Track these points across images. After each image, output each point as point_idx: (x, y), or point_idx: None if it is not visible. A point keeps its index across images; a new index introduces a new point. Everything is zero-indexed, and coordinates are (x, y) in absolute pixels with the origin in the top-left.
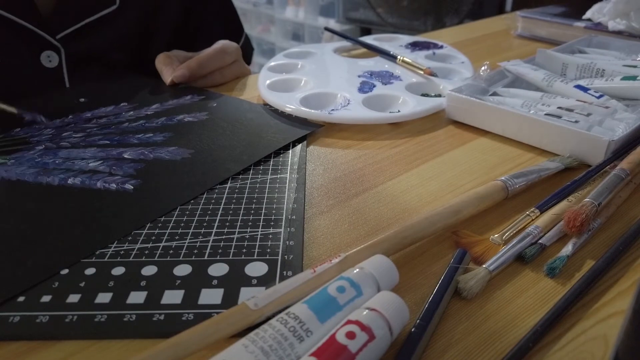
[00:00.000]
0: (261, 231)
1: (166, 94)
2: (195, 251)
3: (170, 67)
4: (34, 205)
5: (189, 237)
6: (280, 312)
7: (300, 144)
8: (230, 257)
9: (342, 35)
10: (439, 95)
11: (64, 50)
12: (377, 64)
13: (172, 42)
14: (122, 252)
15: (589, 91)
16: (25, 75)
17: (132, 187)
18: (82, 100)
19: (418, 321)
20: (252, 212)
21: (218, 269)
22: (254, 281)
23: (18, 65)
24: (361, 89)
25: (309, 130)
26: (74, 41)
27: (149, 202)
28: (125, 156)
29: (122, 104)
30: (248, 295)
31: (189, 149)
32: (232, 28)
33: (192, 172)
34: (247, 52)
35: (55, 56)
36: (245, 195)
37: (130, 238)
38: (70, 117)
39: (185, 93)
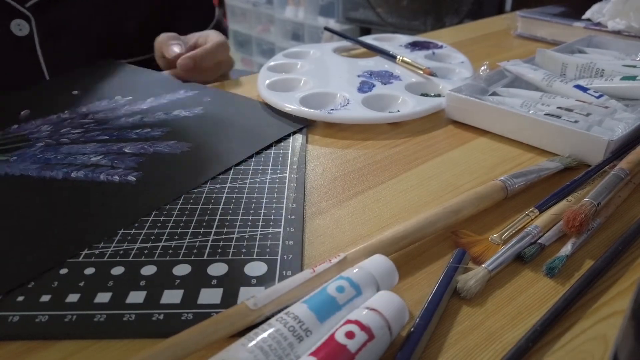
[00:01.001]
0: (260, 231)
1: (158, 87)
2: (195, 251)
3: (178, 46)
4: (39, 199)
5: (188, 236)
6: (279, 311)
7: (300, 144)
8: (230, 257)
9: (341, 35)
10: (439, 95)
11: (34, 18)
12: (377, 63)
13: (147, 17)
14: (121, 251)
15: (588, 91)
16: None
17: (135, 179)
18: (75, 92)
19: (417, 321)
20: (252, 211)
21: (217, 269)
22: (254, 281)
23: None
24: (361, 89)
25: (305, 124)
26: (44, 10)
27: (153, 191)
28: (126, 150)
29: (116, 97)
30: (247, 295)
31: (188, 143)
32: (207, 4)
33: (194, 164)
34: (222, 27)
35: (25, 25)
36: (245, 195)
37: (129, 237)
38: (66, 112)
39: (178, 87)
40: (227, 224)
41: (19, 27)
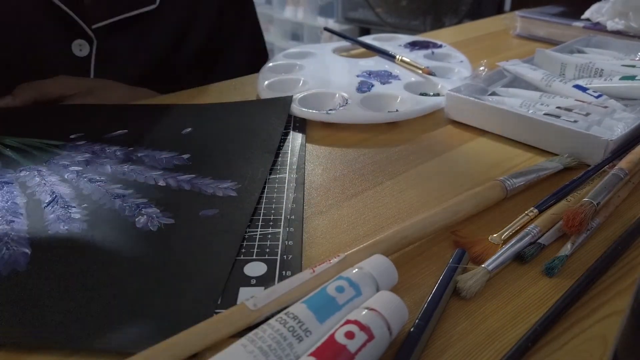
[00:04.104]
0: (260, 231)
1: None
2: None
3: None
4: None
5: None
6: (279, 312)
7: (299, 144)
8: None
9: (341, 35)
10: (438, 94)
11: (96, 41)
12: (377, 64)
13: (199, 54)
14: None
15: (587, 91)
16: (53, 60)
17: (236, 192)
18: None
19: (417, 321)
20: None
21: None
22: (253, 281)
23: (48, 49)
24: (359, 89)
25: (288, 103)
26: (107, 34)
27: (250, 200)
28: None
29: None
30: (247, 295)
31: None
32: (256, 57)
33: (246, 171)
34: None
35: (86, 46)
36: None
37: None
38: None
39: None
40: None
41: (80, 48)
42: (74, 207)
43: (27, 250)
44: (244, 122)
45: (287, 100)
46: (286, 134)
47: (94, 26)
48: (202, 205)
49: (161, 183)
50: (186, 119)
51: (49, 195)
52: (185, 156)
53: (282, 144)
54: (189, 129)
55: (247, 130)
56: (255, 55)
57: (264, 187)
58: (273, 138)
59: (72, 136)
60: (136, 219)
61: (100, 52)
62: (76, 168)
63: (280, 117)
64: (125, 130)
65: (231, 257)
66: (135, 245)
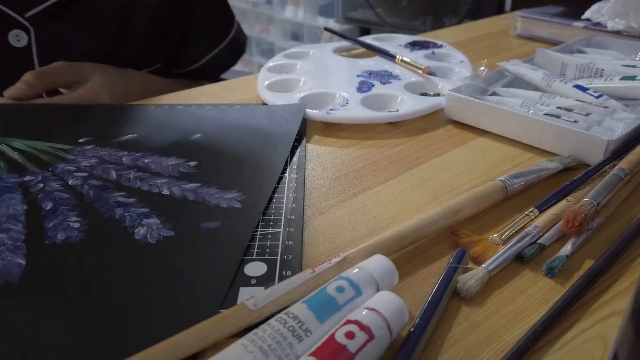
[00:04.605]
0: (260, 231)
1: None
2: None
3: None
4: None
5: None
6: (279, 312)
7: (300, 144)
8: None
9: (341, 35)
10: (438, 94)
11: (33, 30)
12: (377, 63)
13: (151, 37)
14: None
15: (588, 91)
16: None
17: (240, 204)
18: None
19: (417, 321)
20: None
21: None
22: (253, 281)
23: None
24: (360, 89)
25: (301, 111)
26: (44, 22)
27: (253, 212)
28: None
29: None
30: (247, 295)
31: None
32: (224, 19)
33: (253, 180)
34: (240, 40)
35: (24, 36)
36: None
37: None
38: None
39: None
40: None
41: (17, 38)
42: (74, 215)
43: (22, 261)
44: (255, 130)
45: (301, 108)
46: (299, 141)
47: (27, 14)
48: (204, 217)
49: (165, 192)
50: (197, 123)
51: (50, 202)
52: (192, 163)
53: (294, 150)
54: (199, 135)
55: (258, 139)
56: (222, 27)
57: (270, 198)
58: (284, 147)
59: (80, 140)
60: (135, 230)
61: (40, 41)
62: (81, 174)
63: (293, 125)
64: (135, 135)
65: (231, 272)
66: (131, 259)
